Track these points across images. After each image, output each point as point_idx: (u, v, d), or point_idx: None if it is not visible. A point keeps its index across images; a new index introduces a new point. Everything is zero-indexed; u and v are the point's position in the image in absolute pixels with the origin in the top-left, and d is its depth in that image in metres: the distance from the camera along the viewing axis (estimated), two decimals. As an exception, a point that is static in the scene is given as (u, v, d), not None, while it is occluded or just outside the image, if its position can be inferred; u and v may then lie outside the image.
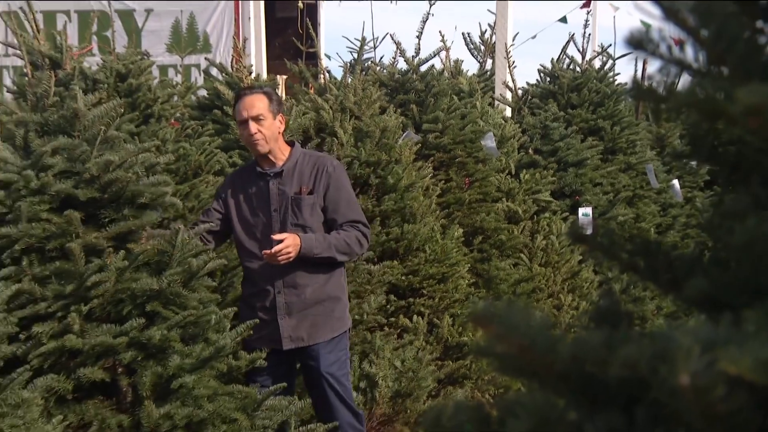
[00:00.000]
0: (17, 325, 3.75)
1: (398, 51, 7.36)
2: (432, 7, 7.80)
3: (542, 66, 9.70)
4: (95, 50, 6.86)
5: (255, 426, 3.86)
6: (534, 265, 7.32)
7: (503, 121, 8.05)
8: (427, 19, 7.63)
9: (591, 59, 9.84)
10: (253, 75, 7.19)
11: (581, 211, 8.17)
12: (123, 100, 4.52)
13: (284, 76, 8.01)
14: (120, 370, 3.77)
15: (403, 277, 6.01)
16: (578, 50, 9.70)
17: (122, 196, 3.96)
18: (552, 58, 9.68)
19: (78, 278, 3.75)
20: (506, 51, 9.00)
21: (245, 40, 8.90)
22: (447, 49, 8.37)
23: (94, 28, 6.72)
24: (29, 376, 3.69)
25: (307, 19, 8.20)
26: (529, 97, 9.13)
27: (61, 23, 10.10)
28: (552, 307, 7.30)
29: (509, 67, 8.98)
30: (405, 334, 5.90)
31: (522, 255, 7.30)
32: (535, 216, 7.66)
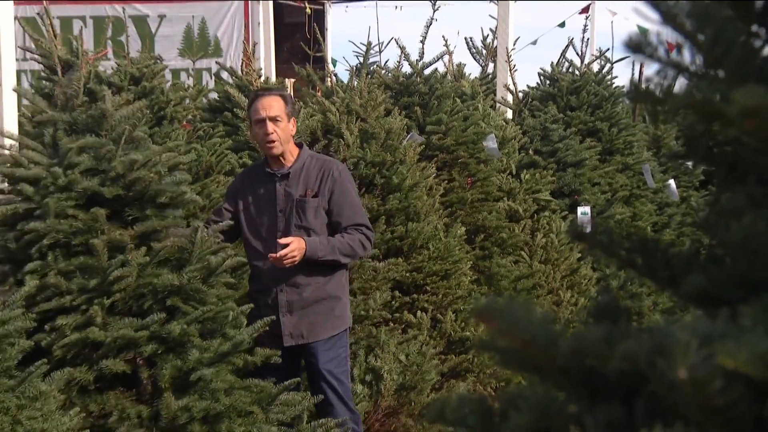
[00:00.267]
0: (42, 318, 3.77)
1: (403, 55, 7.35)
2: (435, 12, 7.81)
3: (542, 69, 9.69)
4: (110, 54, 6.86)
5: (269, 420, 3.86)
6: (534, 263, 7.31)
7: (504, 123, 8.04)
8: (430, 24, 7.64)
9: (589, 63, 9.83)
10: (263, 78, 7.19)
11: (580, 210, 8.16)
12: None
13: (292, 80, 8.01)
14: (140, 362, 3.78)
15: (408, 274, 6.00)
16: (577, 54, 9.69)
17: (145, 194, 3.97)
18: (552, 62, 9.67)
19: (101, 273, 3.76)
20: (507, 55, 8.98)
21: (255, 44, 8.89)
22: (450, 53, 8.36)
23: (109, 33, 6.74)
24: (52, 366, 3.71)
25: (315, 25, 8.22)
26: (530, 100, 9.12)
27: (77, 28, 10.10)
28: (552, 303, 7.29)
29: (510, 70, 8.96)
30: (409, 329, 5.90)
31: (522, 252, 7.29)
32: (535, 215, 7.65)
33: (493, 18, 10.01)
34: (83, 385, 3.68)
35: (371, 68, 6.95)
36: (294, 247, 4.24)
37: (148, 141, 4.14)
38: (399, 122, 6.21)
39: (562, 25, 12.52)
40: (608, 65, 9.93)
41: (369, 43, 6.79)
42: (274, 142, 4.38)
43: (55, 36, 5.02)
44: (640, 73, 9.32)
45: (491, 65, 11.02)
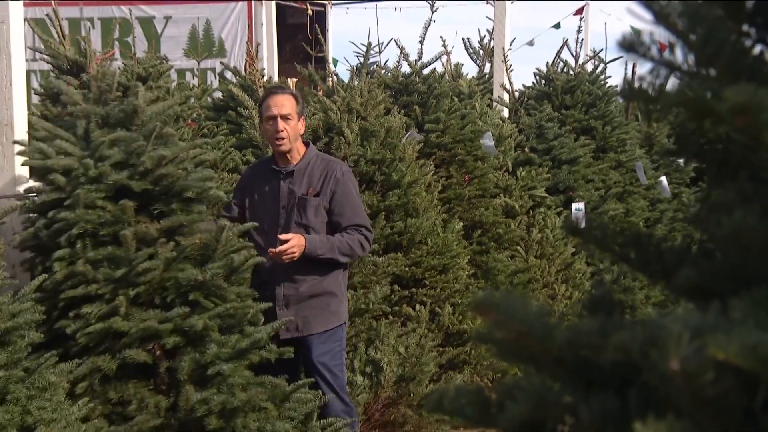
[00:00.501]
0: (67, 304, 3.78)
1: (402, 55, 7.34)
2: (434, 13, 7.80)
3: (538, 69, 9.69)
4: (117, 55, 6.85)
5: (282, 416, 3.85)
6: (530, 257, 7.31)
7: (501, 122, 8.03)
8: (429, 25, 7.62)
9: (584, 63, 9.82)
10: (265, 78, 7.19)
11: (574, 206, 8.16)
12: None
13: (294, 79, 8.01)
14: (158, 353, 3.78)
15: (407, 269, 6.00)
16: (572, 54, 9.68)
17: (172, 189, 3.98)
18: (547, 62, 9.66)
19: (127, 264, 3.77)
20: (504, 55, 8.97)
21: (258, 45, 8.88)
22: (448, 54, 8.36)
23: (116, 34, 6.73)
24: (75, 353, 3.72)
25: (316, 26, 8.21)
26: (526, 99, 9.11)
27: (85, 30, 10.08)
28: (547, 296, 7.29)
29: (507, 70, 8.95)
30: (408, 322, 5.90)
31: (518, 247, 7.29)
32: (531, 211, 7.65)
33: (490, 19, 10.00)
34: (106, 374, 3.70)
35: (371, 68, 6.95)
36: (294, 243, 4.24)
37: (176, 137, 4.15)
38: (398, 121, 6.21)
39: (557, 26, 12.51)
40: (602, 65, 9.93)
41: (369, 44, 6.78)
42: (283, 139, 4.40)
43: (63, 37, 5.02)
44: (633, 73, 9.31)
45: (488, 65, 11.00)
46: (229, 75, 7.48)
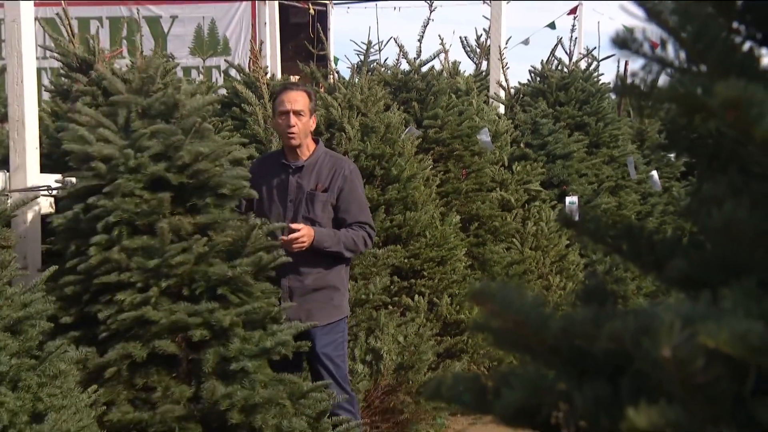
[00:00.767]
0: (97, 290, 3.77)
1: (401, 53, 7.33)
2: (432, 13, 7.78)
3: (533, 67, 9.67)
4: (125, 53, 6.84)
5: (298, 413, 3.84)
6: (525, 249, 7.30)
7: (497, 118, 8.01)
8: (427, 24, 7.61)
9: (577, 61, 9.80)
10: (269, 75, 7.17)
11: (568, 199, 8.15)
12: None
13: (297, 77, 7.99)
14: (182, 345, 3.77)
15: (406, 260, 6.00)
16: (566, 53, 9.66)
17: (207, 184, 3.96)
18: (542, 60, 9.64)
19: (160, 255, 3.75)
20: (500, 53, 8.95)
21: (261, 43, 8.87)
22: (446, 52, 8.34)
23: (124, 33, 6.73)
24: (106, 338, 3.71)
25: (318, 25, 8.19)
26: (521, 96, 9.10)
27: (93, 29, 10.08)
28: (541, 287, 7.28)
29: (503, 68, 8.93)
30: (407, 312, 5.90)
31: (514, 240, 7.28)
32: (526, 204, 7.64)
33: (487, 18, 9.97)
34: (135, 361, 3.70)
35: (371, 66, 6.93)
36: (304, 233, 4.24)
37: (212, 132, 4.14)
38: (398, 117, 6.20)
39: (552, 26, 12.47)
40: (595, 63, 9.91)
41: (369, 42, 6.76)
42: (294, 134, 4.41)
43: (73, 35, 5.01)
44: (625, 70, 9.30)
45: (485, 63, 10.97)
46: (233, 72, 7.46)
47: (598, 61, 9.93)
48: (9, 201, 3.96)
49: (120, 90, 4.09)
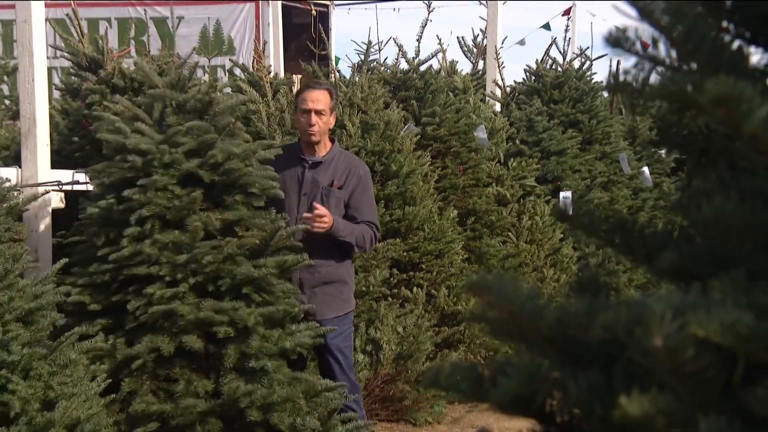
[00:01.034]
0: (125, 281, 3.76)
1: (400, 53, 7.32)
2: (430, 13, 7.77)
3: (528, 66, 9.65)
4: (133, 53, 6.83)
5: (311, 411, 3.82)
6: (520, 243, 7.30)
7: (493, 115, 8.01)
8: (426, 25, 7.60)
9: (571, 60, 9.78)
10: (272, 74, 7.16)
11: (562, 194, 8.15)
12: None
13: (299, 76, 7.97)
14: (204, 340, 3.75)
15: (405, 254, 6.00)
16: (560, 52, 9.64)
17: (236, 183, 3.94)
18: (536, 60, 9.63)
19: (189, 251, 3.73)
20: (496, 53, 8.94)
21: (265, 43, 8.86)
22: (443, 51, 8.31)
23: (132, 33, 6.71)
24: (133, 328, 3.70)
25: (320, 25, 8.17)
26: (516, 94, 9.08)
27: (102, 29, 10.06)
28: (536, 279, 7.28)
29: (499, 67, 8.92)
30: (406, 304, 5.90)
31: (510, 233, 7.28)
32: (522, 199, 7.64)
33: (483, 19, 9.96)
34: (161, 354, 3.69)
35: (371, 65, 6.92)
36: (326, 213, 4.24)
37: (243, 131, 4.12)
38: (397, 114, 6.20)
39: (547, 26, 12.44)
40: (588, 62, 9.89)
41: (369, 42, 6.75)
42: (314, 132, 4.41)
43: (82, 36, 5.00)
44: (617, 69, 9.28)
45: (481, 62, 10.96)
46: (237, 71, 7.45)
47: (591, 61, 9.91)
48: (21, 196, 3.96)
49: (157, 84, 4.05)
